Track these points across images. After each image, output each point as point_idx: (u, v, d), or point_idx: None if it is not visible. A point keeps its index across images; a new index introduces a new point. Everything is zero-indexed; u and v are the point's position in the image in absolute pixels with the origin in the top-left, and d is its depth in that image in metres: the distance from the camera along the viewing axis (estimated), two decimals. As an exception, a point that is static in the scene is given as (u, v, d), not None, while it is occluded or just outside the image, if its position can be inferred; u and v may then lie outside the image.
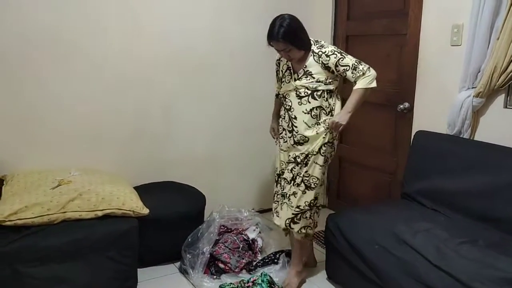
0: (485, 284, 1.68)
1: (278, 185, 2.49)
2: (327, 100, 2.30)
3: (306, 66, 2.28)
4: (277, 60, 2.47)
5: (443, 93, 2.54)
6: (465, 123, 2.38)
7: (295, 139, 2.33)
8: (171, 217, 2.55)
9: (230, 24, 3.11)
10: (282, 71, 2.43)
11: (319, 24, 3.32)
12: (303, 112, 2.30)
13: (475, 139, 2.40)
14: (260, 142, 3.27)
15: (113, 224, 2.27)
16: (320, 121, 2.31)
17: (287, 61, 2.35)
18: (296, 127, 2.33)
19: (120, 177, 2.64)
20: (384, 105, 2.94)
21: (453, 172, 2.31)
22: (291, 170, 2.37)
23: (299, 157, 2.33)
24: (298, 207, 2.35)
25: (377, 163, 3.08)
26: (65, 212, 2.19)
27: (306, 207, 2.34)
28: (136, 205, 2.36)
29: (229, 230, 2.73)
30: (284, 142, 2.42)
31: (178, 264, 2.63)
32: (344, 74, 2.23)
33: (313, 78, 2.27)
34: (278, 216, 2.47)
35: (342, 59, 2.22)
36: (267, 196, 3.18)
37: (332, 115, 2.31)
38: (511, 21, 2.12)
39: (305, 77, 2.28)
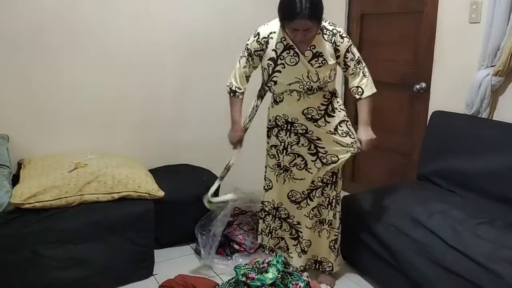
0: (502, 264, 1.67)
1: (276, 219, 2.31)
2: (337, 100, 2.16)
3: (314, 46, 1.98)
4: (261, 40, 2.03)
5: (461, 72, 2.49)
6: (484, 102, 2.33)
7: (324, 160, 2.15)
8: (186, 199, 2.57)
9: (238, 5, 3.07)
10: (276, 51, 2.00)
11: (333, 2, 3.24)
12: (326, 120, 2.09)
13: (493, 118, 2.35)
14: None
15: (130, 206, 2.30)
16: (342, 129, 2.13)
17: (282, 38, 1.99)
18: (322, 147, 2.14)
19: (135, 160, 2.66)
20: (399, 85, 2.89)
21: (471, 153, 2.27)
22: (322, 193, 2.21)
23: (325, 176, 2.19)
24: (338, 228, 2.29)
25: (392, 144, 3.04)
26: (82, 194, 2.22)
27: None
28: (151, 188, 2.39)
29: (244, 212, 2.75)
30: (299, 169, 2.18)
31: (194, 245, 2.66)
32: (348, 64, 2.04)
33: (325, 61, 2.00)
34: (299, 256, 2.29)
35: (353, 46, 2.06)
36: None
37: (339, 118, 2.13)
38: (533, -3, 2.05)
39: (315, 60, 2.01)
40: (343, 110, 2.18)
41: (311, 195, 2.21)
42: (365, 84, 2.08)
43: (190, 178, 2.80)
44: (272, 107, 2.22)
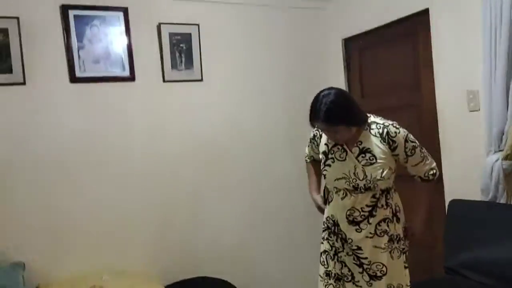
0: None
1: None
2: (387, 197, 1.99)
3: (361, 141, 1.94)
4: (315, 131, 2.12)
5: (470, 159, 2.50)
6: (499, 187, 2.29)
7: (371, 272, 1.96)
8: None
9: (246, 115, 3.22)
10: (327, 145, 2.03)
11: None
12: (368, 222, 1.93)
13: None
14: (289, 226, 3.21)
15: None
16: (381, 228, 1.97)
17: None
18: (364, 258, 1.96)
19: (151, 277, 2.61)
20: (413, 176, 2.88)
21: (496, 241, 2.19)
22: None
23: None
24: None
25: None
26: (98, 318, 2.13)
27: None
28: (168, 306, 2.29)
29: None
30: (347, 281, 2.01)
31: None
32: (411, 153, 1.94)
33: (374, 157, 1.92)
34: None
35: (409, 134, 1.97)
36: (306, 284, 3.03)
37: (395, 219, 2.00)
38: (525, 82, 2.13)
39: (362, 156, 1.94)
40: (389, 206, 2.00)
41: None
42: (434, 164, 2.03)
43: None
44: (326, 206, 2.14)
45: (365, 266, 1.97)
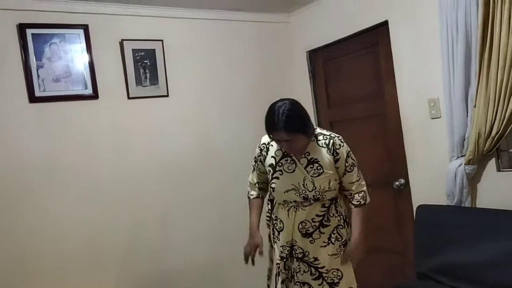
0: None
1: None
2: (336, 205, 2.06)
3: (308, 152, 1.98)
4: (261, 145, 2.12)
5: (435, 164, 2.56)
6: (463, 191, 2.36)
7: (329, 280, 2.01)
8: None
9: (214, 130, 3.19)
10: (275, 158, 2.04)
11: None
12: (320, 232, 1.99)
13: (476, 206, 2.37)
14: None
15: None
16: (335, 236, 2.05)
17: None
18: (321, 267, 2.02)
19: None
20: (381, 184, 2.94)
21: (463, 244, 2.24)
22: None
23: None
24: None
25: (384, 243, 2.98)
26: None
27: None
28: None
29: None
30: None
31: None
32: (349, 170, 2.01)
33: (321, 167, 1.97)
34: None
35: (351, 151, 2.04)
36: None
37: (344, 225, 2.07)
38: (483, 89, 2.20)
39: (311, 167, 1.98)
40: (339, 215, 2.07)
41: None
42: (362, 188, 2.08)
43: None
44: (278, 239, 2.11)
45: (324, 275, 2.02)
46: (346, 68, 3.18)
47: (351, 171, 2.03)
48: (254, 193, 2.23)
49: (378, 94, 2.93)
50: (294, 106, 1.91)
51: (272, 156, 2.07)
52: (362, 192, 2.09)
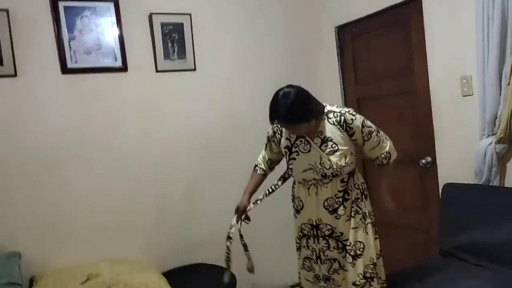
0: None
1: None
2: (353, 178, 2.10)
3: (321, 131, 2.01)
4: (275, 127, 2.17)
5: (464, 143, 2.51)
6: (492, 170, 2.32)
7: (352, 253, 2.05)
8: (203, 301, 2.46)
9: (241, 105, 3.21)
10: (289, 139, 2.08)
11: (328, 91, 3.40)
12: (344, 206, 2.04)
13: (505, 185, 2.32)
14: (286, 214, 3.22)
15: (144, 315, 2.20)
16: (354, 209, 2.09)
17: None
18: (345, 240, 2.06)
19: (148, 265, 2.61)
20: (406, 161, 2.90)
21: (490, 223, 2.21)
22: None
23: (367, 271, 2.09)
24: None
25: (409, 221, 2.97)
26: (95, 307, 2.14)
27: None
28: (166, 293, 2.30)
29: (265, 311, 2.60)
30: (339, 274, 2.09)
31: None
32: (367, 138, 2.02)
33: (336, 145, 2.00)
34: None
35: (366, 120, 2.05)
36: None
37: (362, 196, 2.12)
38: (518, 65, 2.14)
39: (325, 146, 2.00)
40: (357, 188, 2.11)
41: None
42: (391, 148, 2.11)
43: (205, 278, 2.71)
44: (296, 216, 2.19)
45: (347, 248, 2.06)
46: (375, 44, 3.12)
47: (369, 139, 2.05)
48: (261, 168, 2.32)
49: (407, 71, 2.87)
50: (297, 97, 1.92)
51: (286, 138, 2.11)
52: (384, 153, 2.10)
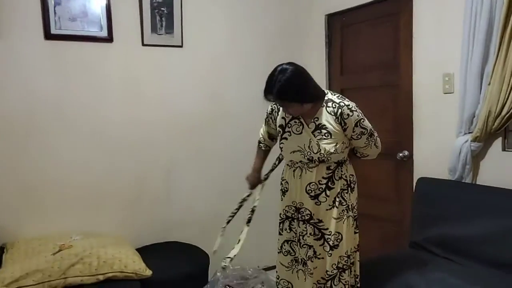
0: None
1: None
2: (342, 169, 2.08)
3: (317, 118, 2.00)
4: (273, 105, 2.17)
5: (441, 139, 2.58)
6: (466, 167, 2.38)
7: (331, 243, 2.04)
8: (175, 278, 2.47)
9: (226, 85, 3.20)
10: (285, 119, 2.09)
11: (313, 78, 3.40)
12: (326, 195, 2.02)
13: (477, 183, 2.40)
14: (262, 198, 3.24)
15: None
16: (339, 200, 2.07)
17: None
18: (325, 229, 2.05)
19: (122, 240, 2.60)
20: (383, 154, 2.94)
21: (460, 218, 2.28)
22: (339, 280, 2.09)
23: (341, 261, 2.08)
24: None
25: (382, 213, 3.04)
26: (66, 277, 2.14)
27: None
28: (138, 267, 2.31)
29: (235, 290, 2.64)
30: (312, 262, 2.08)
31: (183, 329, 2.52)
32: (357, 138, 2.02)
33: (329, 134, 1.99)
34: None
35: (363, 120, 2.01)
36: (272, 252, 3.09)
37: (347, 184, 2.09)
38: (500, 66, 2.19)
39: (318, 132, 2.00)
40: (344, 179, 2.09)
41: (328, 286, 2.06)
42: (374, 153, 2.16)
43: (178, 255, 2.73)
44: (282, 198, 2.21)
45: (326, 237, 2.06)
46: (363, 35, 3.14)
47: (359, 139, 2.05)
48: (264, 144, 2.36)
49: (393, 65, 2.90)
50: (294, 75, 1.91)
51: (282, 117, 2.12)
52: (362, 153, 2.14)
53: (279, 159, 2.35)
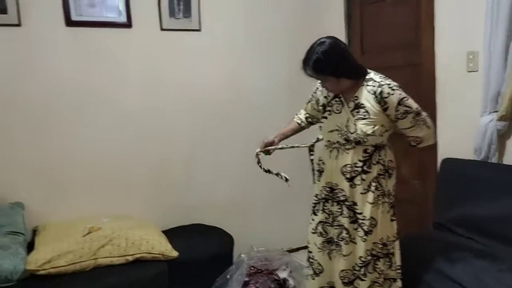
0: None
1: None
2: (380, 153, 2.02)
3: (357, 97, 1.97)
4: (319, 83, 2.13)
5: (465, 119, 2.53)
6: (491, 147, 2.35)
7: (365, 228, 1.99)
8: (200, 259, 2.53)
9: (246, 69, 3.19)
10: (327, 98, 2.07)
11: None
12: (362, 178, 1.98)
13: (503, 163, 2.36)
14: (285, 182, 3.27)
15: (143, 268, 2.28)
16: (375, 185, 2.02)
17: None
18: (359, 213, 2.01)
19: (148, 222, 2.66)
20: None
21: (485, 199, 2.26)
22: (374, 268, 2.06)
23: (375, 248, 2.06)
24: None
25: (405, 194, 3.02)
26: (96, 258, 2.20)
27: None
28: (165, 248, 2.37)
29: (259, 271, 2.68)
30: (346, 244, 2.05)
31: (209, 308, 2.58)
32: (401, 117, 1.94)
33: (367, 113, 1.95)
34: None
35: (406, 98, 1.94)
36: (296, 235, 3.13)
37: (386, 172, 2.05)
38: (526, 44, 2.14)
39: (357, 111, 1.98)
40: (382, 164, 2.04)
41: (361, 273, 2.03)
42: (427, 135, 2.04)
43: (204, 237, 2.78)
44: (319, 179, 2.17)
45: (359, 221, 2.02)
46: (384, 14, 3.07)
47: (403, 118, 1.96)
48: (299, 117, 2.33)
49: (415, 43, 2.85)
50: (331, 48, 1.90)
51: (324, 96, 2.11)
52: (414, 137, 2.04)
53: (310, 148, 2.33)
